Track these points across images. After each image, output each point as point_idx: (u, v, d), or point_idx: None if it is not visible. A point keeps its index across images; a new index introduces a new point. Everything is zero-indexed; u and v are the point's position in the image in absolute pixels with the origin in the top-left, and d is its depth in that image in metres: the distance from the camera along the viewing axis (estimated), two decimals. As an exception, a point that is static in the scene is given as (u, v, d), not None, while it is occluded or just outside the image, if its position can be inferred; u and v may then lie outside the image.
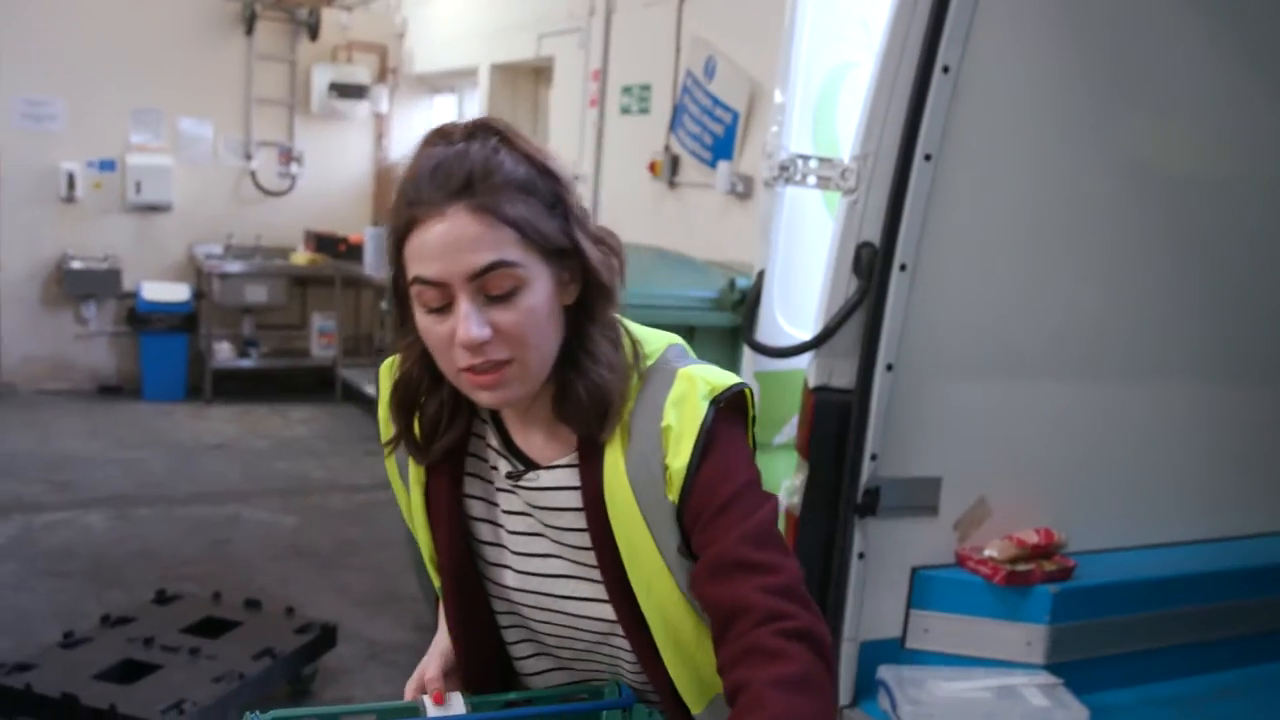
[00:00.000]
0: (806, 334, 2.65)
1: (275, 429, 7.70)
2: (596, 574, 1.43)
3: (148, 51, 8.22)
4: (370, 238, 8.38)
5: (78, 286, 8.14)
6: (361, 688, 4.05)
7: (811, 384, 2.60)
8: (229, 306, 8.39)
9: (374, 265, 8.23)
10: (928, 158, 2.48)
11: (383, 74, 9.09)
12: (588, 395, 1.36)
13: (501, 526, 1.48)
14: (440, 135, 1.34)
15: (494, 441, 1.46)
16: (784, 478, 2.82)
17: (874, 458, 2.62)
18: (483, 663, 1.55)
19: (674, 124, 5.46)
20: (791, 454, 2.73)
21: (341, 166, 9.11)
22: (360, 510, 6.03)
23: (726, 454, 1.36)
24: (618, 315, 1.42)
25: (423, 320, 1.33)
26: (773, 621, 1.26)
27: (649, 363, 1.41)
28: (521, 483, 1.43)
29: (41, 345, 8.29)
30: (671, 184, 5.51)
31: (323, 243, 8.58)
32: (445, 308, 1.30)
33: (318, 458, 7.03)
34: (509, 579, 1.49)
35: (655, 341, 1.45)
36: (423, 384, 1.41)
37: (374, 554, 5.30)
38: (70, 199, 8.14)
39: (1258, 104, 2.81)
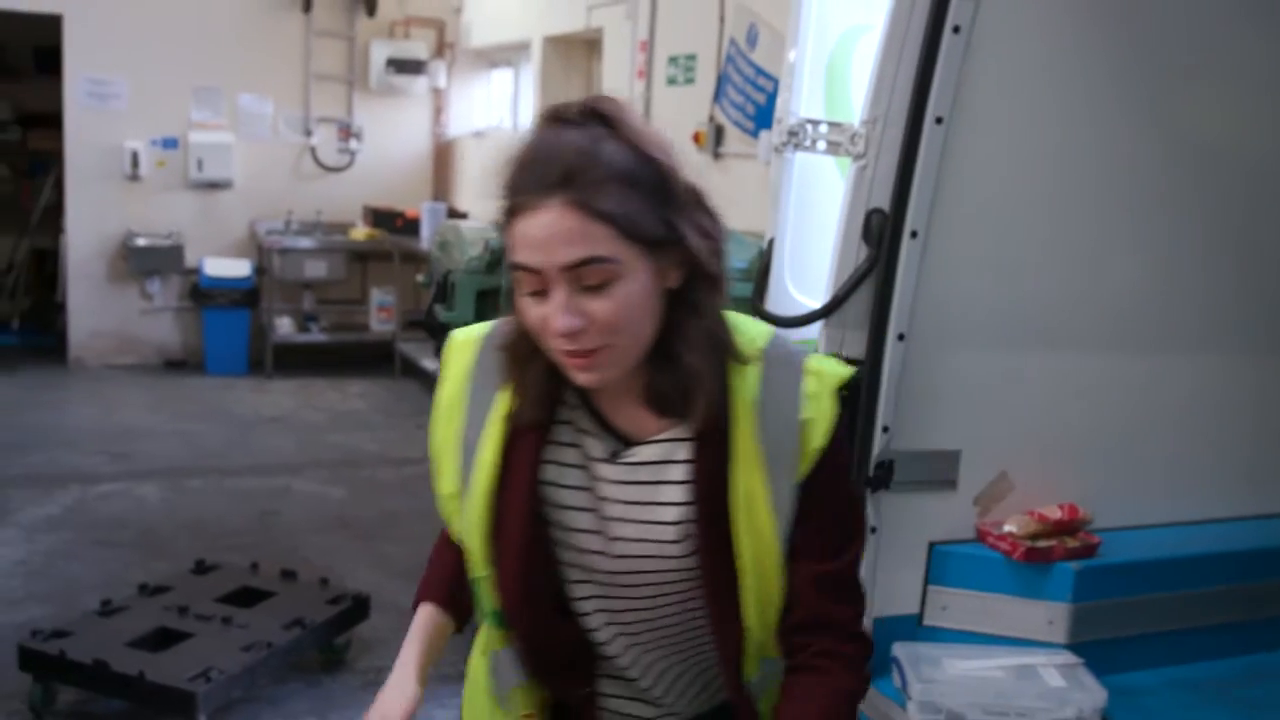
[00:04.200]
0: (819, 303, 2.59)
1: (332, 402, 7.78)
2: (677, 549, 1.47)
3: (208, 30, 8.32)
4: (428, 213, 8.42)
5: (142, 263, 8.28)
6: (395, 658, 4.06)
7: (821, 354, 2.54)
8: (289, 282, 8.49)
9: (431, 240, 8.25)
10: (939, 121, 2.39)
11: (440, 49, 9.10)
12: (678, 380, 1.40)
13: (589, 509, 1.48)
14: (553, 116, 1.38)
15: (585, 421, 1.47)
16: (796, 450, 2.76)
17: (886, 430, 2.56)
18: (549, 649, 1.55)
19: (718, 94, 5.39)
20: (804, 426, 2.67)
21: (400, 142, 9.15)
22: (407, 483, 6.06)
23: (842, 454, 1.51)
24: (722, 304, 1.46)
25: (523, 302, 1.38)
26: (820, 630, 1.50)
27: (758, 347, 1.47)
28: (622, 459, 1.45)
29: (108, 321, 8.45)
30: (716, 154, 5.45)
31: (381, 218, 8.62)
32: (543, 292, 1.34)
33: (371, 431, 7.09)
34: (596, 561, 1.50)
35: (756, 327, 1.51)
36: (528, 344, 1.43)
37: (415, 525, 5.32)
38: (134, 177, 8.28)
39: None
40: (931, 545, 2.71)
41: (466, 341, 1.54)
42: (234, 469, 6.18)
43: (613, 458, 1.46)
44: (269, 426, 7.09)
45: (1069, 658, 2.61)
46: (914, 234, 2.46)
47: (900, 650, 2.62)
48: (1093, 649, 2.65)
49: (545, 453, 1.48)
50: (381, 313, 8.78)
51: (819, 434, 1.46)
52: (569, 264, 1.31)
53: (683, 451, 1.45)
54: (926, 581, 2.73)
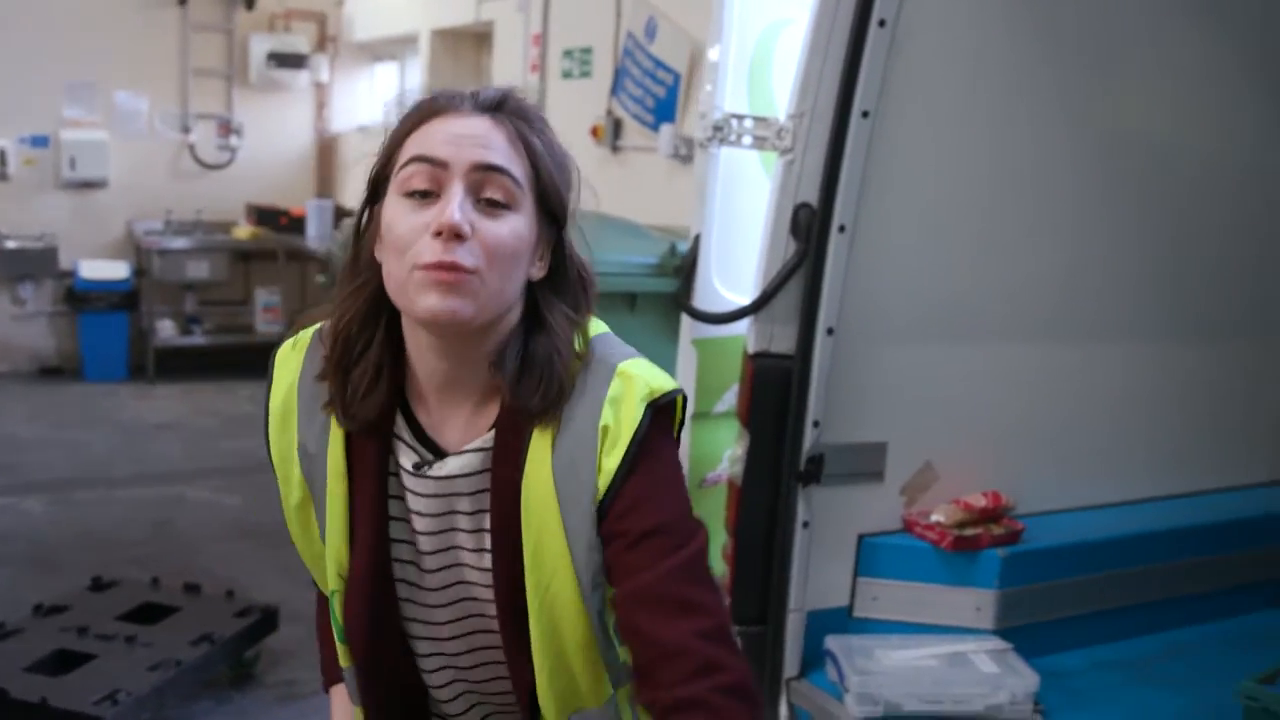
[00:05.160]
0: (746, 299, 2.58)
1: (221, 407, 7.56)
2: (481, 575, 1.37)
3: (80, 24, 8.01)
4: (313, 210, 8.25)
5: (13, 266, 7.95)
6: (306, 670, 3.96)
7: (751, 350, 2.53)
8: (170, 283, 8.23)
9: (318, 238, 8.10)
10: (865, 115, 2.40)
11: (322, 42, 8.91)
12: (544, 371, 1.30)
13: (403, 519, 1.40)
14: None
15: (404, 431, 1.37)
16: (725, 447, 2.76)
17: (816, 424, 2.56)
18: (381, 680, 1.46)
19: (615, 87, 5.36)
20: (733, 422, 2.66)
21: (282, 138, 8.94)
22: (307, 488, 5.92)
23: (661, 469, 1.32)
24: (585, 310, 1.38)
25: (397, 209, 1.27)
26: (710, 674, 1.23)
27: (578, 346, 1.36)
28: (430, 472, 1.35)
29: (-23, 327, 8.11)
30: (615, 148, 5.42)
31: (264, 216, 8.41)
32: (428, 199, 1.26)
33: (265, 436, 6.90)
34: (412, 574, 1.41)
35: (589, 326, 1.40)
36: (360, 340, 1.33)
37: (320, 532, 5.19)
38: (2, 176, 7.94)
39: (1222, 61, 2.76)
40: (861, 537, 2.73)
41: (293, 349, 1.43)
42: (123, 479, 5.97)
43: (416, 470, 1.36)
44: (156, 434, 6.87)
45: (998, 643, 2.64)
46: (842, 228, 2.47)
47: (833, 643, 2.63)
48: (1019, 633, 2.69)
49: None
50: (267, 313, 8.57)
51: (616, 449, 1.29)
52: (483, 163, 1.26)
53: (488, 461, 1.34)
54: (856, 573, 2.74)
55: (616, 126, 5.40)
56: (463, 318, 1.25)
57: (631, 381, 1.31)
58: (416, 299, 1.25)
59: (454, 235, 1.22)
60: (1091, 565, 2.80)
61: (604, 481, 1.29)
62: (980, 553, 2.69)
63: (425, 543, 1.39)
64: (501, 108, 1.30)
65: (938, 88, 2.49)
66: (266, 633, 3.88)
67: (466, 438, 1.35)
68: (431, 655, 1.45)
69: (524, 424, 1.31)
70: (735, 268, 2.77)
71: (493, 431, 1.33)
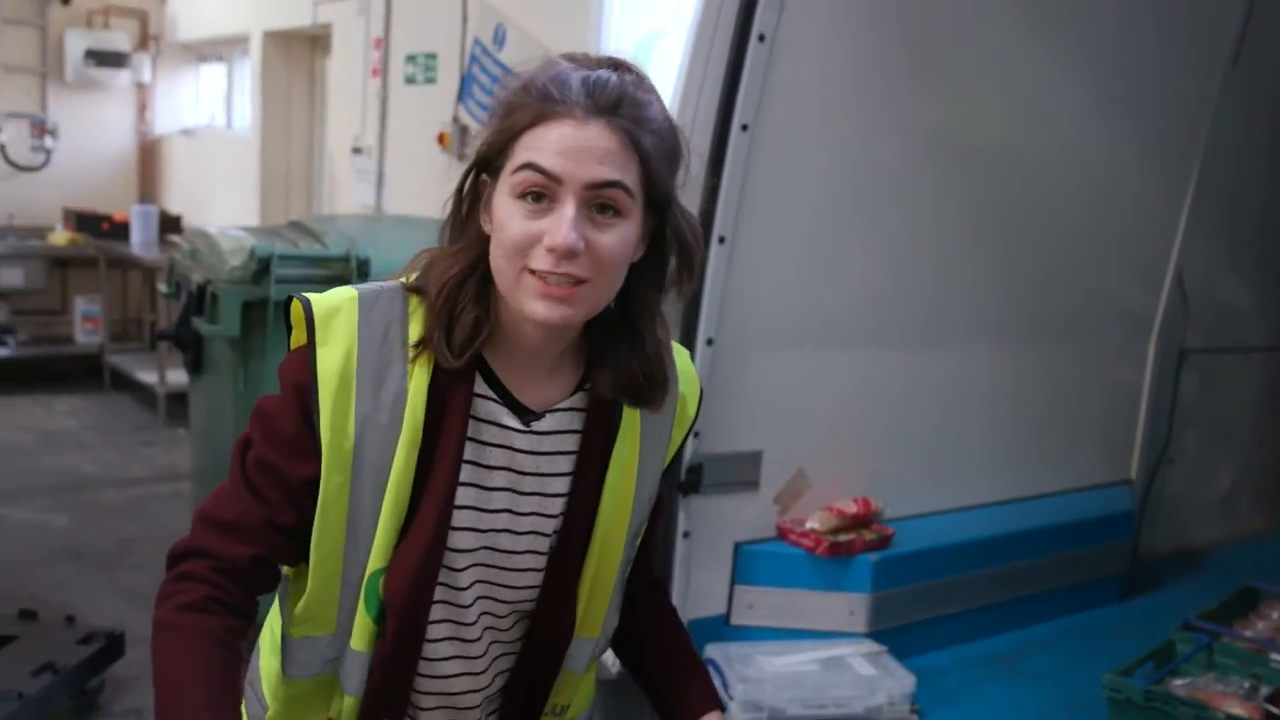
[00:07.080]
0: (624, 310, 2.58)
1: (39, 422, 7.18)
2: (554, 523, 1.43)
3: (-124, 15, 7.53)
4: (138, 216, 7.91)
5: None
6: (151, 697, 3.80)
7: (633, 362, 2.53)
8: (-20, 292, 7.79)
9: (143, 244, 7.77)
10: (744, 128, 2.43)
11: (144, 41, 8.56)
12: (647, 362, 1.37)
13: (506, 489, 1.40)
14: (580, 57, 1.32)
15: (487, 390, 1.37)
16: (605, 458, 2.74)
17: (696, 434, 2.58)
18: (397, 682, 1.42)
19: (462, 94, 5.29)
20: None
21: (101, 140, 8.54)
22: (137, 505, 5.67)
23: None
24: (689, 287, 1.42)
25: (509, 210, 1.27)
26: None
27: None
28: (535, 427, 1.39)
29: None
30: (462, 156, 5.35)
31: (84, 221, 8.02)
32: (540, 202, 1.26)
33: (88, 451, 6.59)
34: (492, 539, 1.40)
35: None
36: (462, 296, 1.33)
37: (156, 551, 4.92)
38: None
39: (1057, 78, 2.88)
40: (737, 545, 2.76)
41: (332, 312, 1.34)
42: (-65, 500, 5.63)
43: (527, 425, 1.39)
44: (-31, 451, 6.49)
45: (873, 646, 2.71)
46: (722, 239, 2.49)
47: (714, 651, 2.65)
48: (890, 635, 2.76)
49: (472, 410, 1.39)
50: (87, 323, 8.16)
51: (691, 405, 1.49)
52: (595, 182, 1.25)
53: (576, 421, 1.41)
54: (733, 581, 2.77)
55: (464, 134, 5.34)
56: (570, 323, 1.31)
57: (682, 353, 1.49)
58: (525, 302, 1.28)
59: (565, 255, 1.25)
60: (957, 566, 2.89)
61: (672, 450, 1.49)
62: (854, 558, 2.75)
63: (521, 501, 1.41)
64: (619, 110, 1.26)
65: (812, 102, 2.54)
66: (111, 660, 3.70)
67: (548, 396, 1.40)
68: (486, 630, 1.46)
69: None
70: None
71: (582, 395, 1.41)
